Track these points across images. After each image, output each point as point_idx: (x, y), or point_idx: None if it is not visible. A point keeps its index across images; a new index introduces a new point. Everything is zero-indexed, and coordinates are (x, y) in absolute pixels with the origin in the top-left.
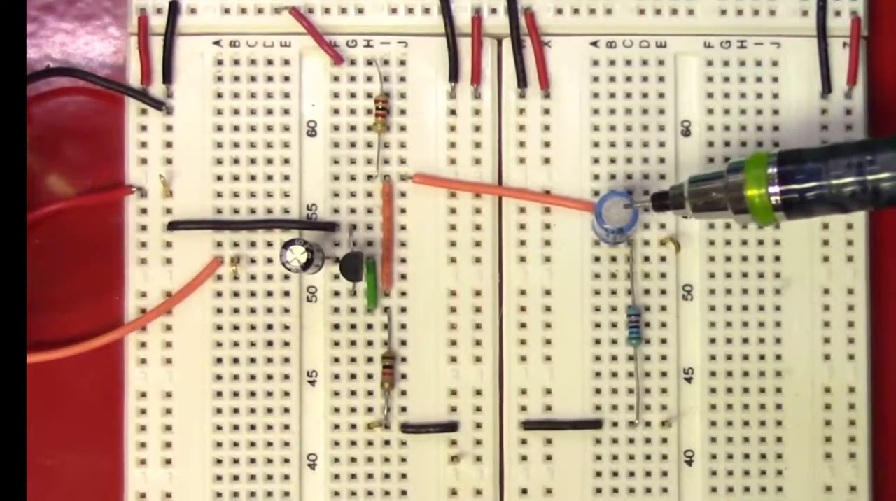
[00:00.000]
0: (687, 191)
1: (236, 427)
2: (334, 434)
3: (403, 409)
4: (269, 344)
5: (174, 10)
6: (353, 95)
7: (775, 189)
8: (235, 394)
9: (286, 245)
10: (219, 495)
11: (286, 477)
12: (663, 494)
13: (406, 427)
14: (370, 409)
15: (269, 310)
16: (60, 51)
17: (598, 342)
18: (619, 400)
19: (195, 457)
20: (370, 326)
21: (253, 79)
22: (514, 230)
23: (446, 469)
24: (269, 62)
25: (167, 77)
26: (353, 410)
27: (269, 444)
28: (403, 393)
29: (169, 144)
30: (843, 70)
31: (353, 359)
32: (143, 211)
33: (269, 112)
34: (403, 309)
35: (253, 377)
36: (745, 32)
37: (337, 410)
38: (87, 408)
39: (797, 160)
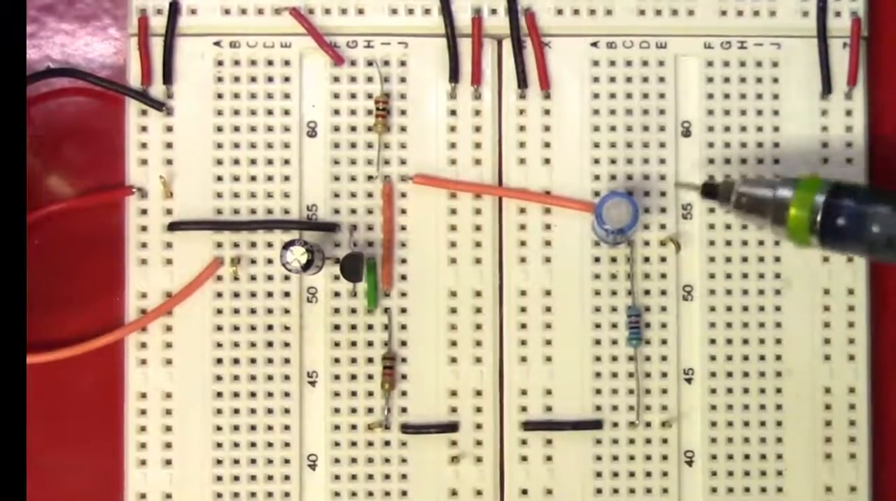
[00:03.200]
0: (738, 186)
1: (236, 428)
2: (334, 435)
3: (404, 410)
4: (270, 344)
5: (174, 10)
6: (353, 96)
7: (818, 218)
8: (236, 395)
9: (286, 246)
10: (219, 495)
11: (286, 478)
12: (663, 494)
13: (406, 428)
14: (370, 410)
15: (270, 311)
16: (60, 51)
17: (598, 342)
18: (620, 400)
19: (195, 458)
20: (370, 327)
21: (253, 79)
22: (515, 230)
23: (446, 470)
24: (270, 63)
25: (167, 78)
26: (354, 411)
27: (270, 445)
28: (404, 393)
29: (169, 145)
30: (844, 71)
31: (354, 360)
32: (144, 211)
33: (270, 113)
34: (404, 310)
35: (253, 377)
36: (745, 33)
37: (337, 411)
38: (87, 409)
39: (848, 196)
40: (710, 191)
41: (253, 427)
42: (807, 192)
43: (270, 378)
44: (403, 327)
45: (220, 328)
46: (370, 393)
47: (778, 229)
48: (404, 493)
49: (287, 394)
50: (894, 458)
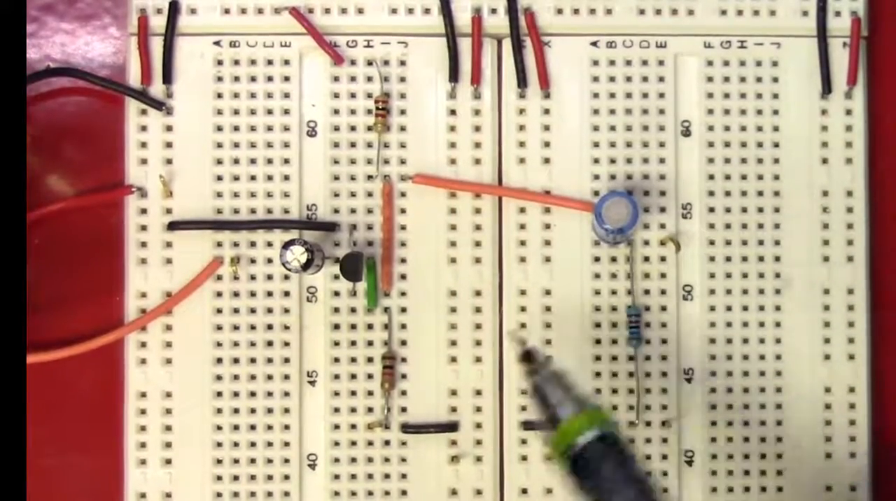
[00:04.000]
0: (541, 373)
1: (236, 428)
2: (334, 435)
3: (403, 409)
4: (269, 344)
5: (174, 10)
6: (353, 95)
7: (572, 452)
8: (235, 394)
9: (286, 245)
10: (219, 495)
11: (286, 478)
12: (663, 494)
13: (406, 428)
14: (370, 409)
15: (269, 311)
16: (60, 51)
17: (598, 342)
18: (620, 400)
19: (195, 457)
20: (370, 326)
21: (253, 79)
22: (514, 230)
23: (446, 470)
24: (269, 62)
25: (167, 77)
26: (354, 410)
27: (269, 444)
28: (403, 393)
29: (169, 144)
30: (843, 70)
31: (354, 359)
32: (143, 211)
33: (269, 112)
34: (403, 310)
35: (253, 377)
36: (745, 32)
37: (337, 410)
38: (87, 408)
39: (608, 453)
40: (526, 357)
41: (253, 427)
42: (579, 424)
43: (270, 378)
44: (403, 327)
45: (219, 328)
46: (370, 393)
47: (546, 432)
48: (404, 493)
49: (287, 394)
50: (894, 458)
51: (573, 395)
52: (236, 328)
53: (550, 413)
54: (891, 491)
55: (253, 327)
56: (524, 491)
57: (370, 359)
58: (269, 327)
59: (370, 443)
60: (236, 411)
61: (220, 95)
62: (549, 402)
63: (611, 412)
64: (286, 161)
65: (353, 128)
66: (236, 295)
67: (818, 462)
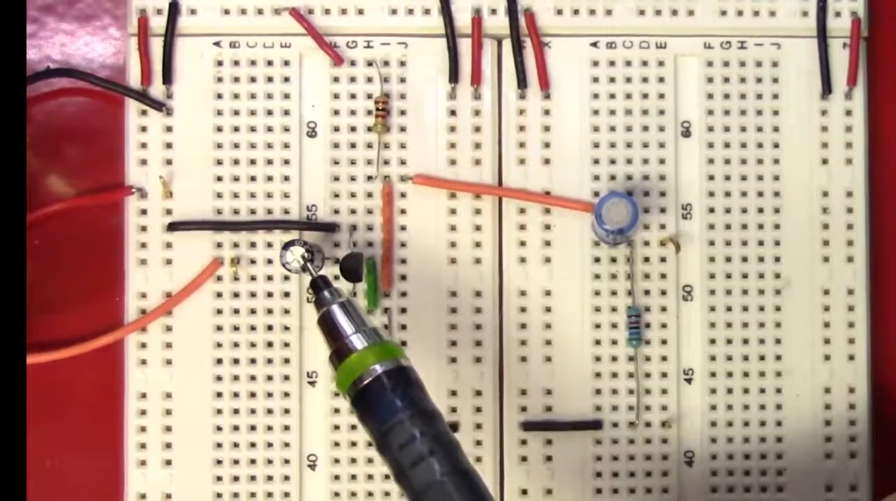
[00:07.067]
0: (334, 300)
1: (236, 428)
2: (334, 435)
3: None
4: (270, 344)
5: (174, 10)
6: (353, 96)
7: (361, 383)
8: (235, 395)
9: (286, 246)
10: (219, 496)
11: (286, 478)
12: (664, 494)
13: None
14: None
15: (269, 311)
16: (60, 51)
17: (598, 342)
18: (619, 400)
19: (195, 458)
20: None
21: (253, 80)
22: (514, 231)
23: None
24: (269, 63)
25: (167, 78)
26: None
27: (270, 445)
28: None
29: (169, 145)
30: (844, 71)
31: None
32: (143, 211)
33: (269, 113)
34: (403, 310)
35: (253, 378)
36: (745, 33)
37: (337, 411)
38: (87, 409)
39: (398, 385)
40: (315, 286)
41: (253, 428)
42: (371, 355)
43: (270, 378)
44: (403, 327)
45: (219, 328)
46: None
47: (333, 364)
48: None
49: (287, 394)
50: (894, 458)
51: (365, 327)
52: (236, 328)
53: (339, 344)
54: (891, 491)
55: (253, 328)
56: (524, 492)
57: None
58: (269, 328)
59: (370, 443)
60: (236, 411)
61: (220, 96)
62: (338, 333)
63: (401, 348)
64: (286, 162)
65: (353, 129)
66: (236, 295)
67: (818, 462)
